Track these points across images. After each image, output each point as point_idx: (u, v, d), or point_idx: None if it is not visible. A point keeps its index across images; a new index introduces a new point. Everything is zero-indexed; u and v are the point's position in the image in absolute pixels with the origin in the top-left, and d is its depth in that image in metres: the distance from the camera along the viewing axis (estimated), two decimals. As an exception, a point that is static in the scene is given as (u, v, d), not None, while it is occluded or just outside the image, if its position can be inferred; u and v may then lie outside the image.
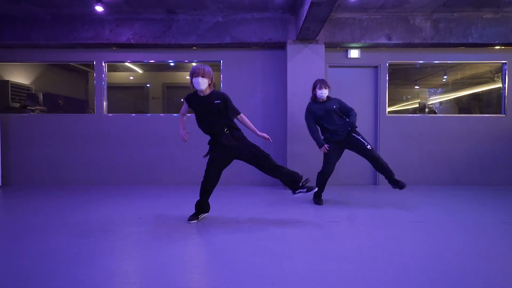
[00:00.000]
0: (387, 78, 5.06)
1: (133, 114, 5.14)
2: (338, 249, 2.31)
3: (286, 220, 3.08)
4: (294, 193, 3.02)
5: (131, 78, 6.66)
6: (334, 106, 3.62)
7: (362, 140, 3.60)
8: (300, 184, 2.98)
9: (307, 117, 3.74)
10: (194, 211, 3.02)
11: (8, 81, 5.29)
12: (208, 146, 3.02)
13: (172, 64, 5.77)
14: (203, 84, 2.83)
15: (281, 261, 2.07)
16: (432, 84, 5.87)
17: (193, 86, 2.86)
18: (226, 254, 2.20)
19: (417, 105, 5.61)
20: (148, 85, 6.68)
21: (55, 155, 5.07)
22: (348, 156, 5.00)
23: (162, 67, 6.47)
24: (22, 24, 4.76)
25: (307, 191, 2.96)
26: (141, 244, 2.41)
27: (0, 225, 2.90)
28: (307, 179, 3.05)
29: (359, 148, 3.61)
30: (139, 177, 5.06)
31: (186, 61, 5.18)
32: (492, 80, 5.51)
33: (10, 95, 5.29)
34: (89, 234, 2.61)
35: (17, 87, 5.44)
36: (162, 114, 5.18)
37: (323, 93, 3.63)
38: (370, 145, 3.59)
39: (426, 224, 2.93)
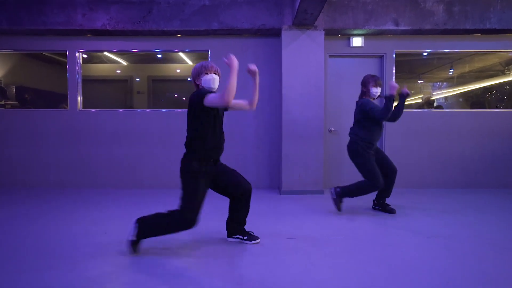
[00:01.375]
0: (394, 69, 4.54)
1: (114, 110, 4.62)
2: (342, 277, 1.81)
3: (281, 233, 2.59)
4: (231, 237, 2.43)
5: (118, 71, 6.11)
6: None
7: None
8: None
9: (375, 111, 2.96)
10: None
11: (-28, 73, 4.75)
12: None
13: (159, 56, 5.25)
14: (217, 82, 2.27)
15: (281, 276, 1.58)
16: (437, 78, 5.37)
17: (204, 85, 2.23)
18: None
19: (421, 100, 5.12)
20: (136, 79, 6.14)
21: (25, 154, 4.56)
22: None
23: (148, 59, 5.92)
24: (-19, 6, 4.22)
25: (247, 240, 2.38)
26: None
27: None
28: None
29: (386, 157, 3.21)
30: (118, 179, 4.56)
31: (172, 50, 4.64)
32: (502, 73, 5.01)
33: (-26, 89, 4.76)
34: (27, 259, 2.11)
35: (-17, 79, 4.91)
36: (148, 110, 4.66)
37: (378, 92, 3.12)
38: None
39: (446, 241, 2.44)
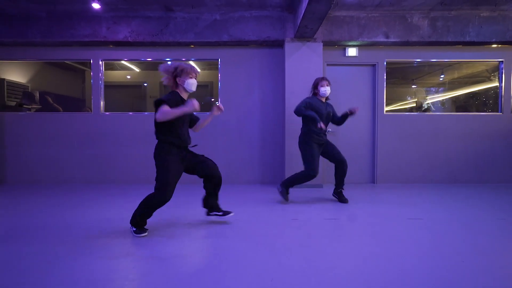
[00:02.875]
0: (385, 76, 5.06)
1: (130, 113, 5.12)
2: (336, 247, 2.30)
3: (285, 218, 3.07)
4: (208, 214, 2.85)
5: (128, 77, 6.62)
6: (331, 111, 3.68)
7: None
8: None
9: (299, 105, 3.53)
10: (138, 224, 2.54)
11: (4, 79, 5.25)
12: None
13: (169, 63, 5.74)
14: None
15: (281, 258, 2.07)
16: (429, 83, 5.88)
17: (186, 86, 2.54)
18: (225, 252, 2.19)
19: (414, 104, 5.64)
20: (145, 84, 6.65)
21: (52, 154, 5.04)
22: (344, 153, 5.02)
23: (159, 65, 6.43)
24: (18, 21, 4.72)
25: (222, 215, 2.80)
26: (139, 245, 2.39)
27: (-4, 224, 2.88)
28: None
29: (335, 151, 3.68)
30: (136, 176, 5.04)
31: (183, 59, 5.15)
32: (488, 79, 5.53)
33: (6, 94, 5.25)
34: (80, 239, 2.59)
35: (13, 85, 5.40)
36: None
37: (327, 90, 3.61)
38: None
39: (425, 221, 2.94)
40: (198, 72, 2.66)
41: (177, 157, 2.53)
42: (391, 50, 5.06)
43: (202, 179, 2.76)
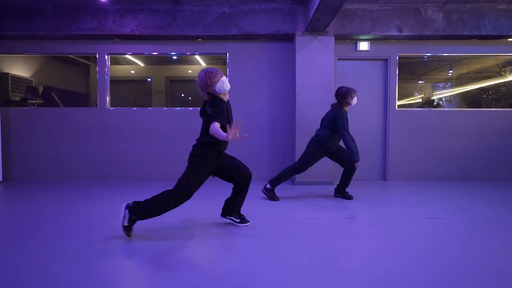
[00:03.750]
0: (397, 71, 4.95)
1: (135, 108, 5.02)
2: (353, 246, 2.22)
3: (301, 216, 2.99)
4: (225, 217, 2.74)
5: (132, 72, 6.51)
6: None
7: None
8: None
9: (344, 125, 3.40)
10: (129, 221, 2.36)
11: (8, 73, 5.15)
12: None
13: (175, 57, 5.63)
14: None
15: (303, 259, 1.98)
16: (437, 79, 5.77)
17: (221, 88, 2.38)
18: (248, 256, 2.11)
19: (421, 100, 5.54)
20: (149, 79, 6.54)
21: (57, 150, 4.95)
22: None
23: (165, 60, 6.33)
24: (23, 14, 4.60)
25: (239, 222, 2.70)
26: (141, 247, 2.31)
27: None
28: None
29: (345, 155, 3.59)
30: (142, 172, 4.96)
31: (190, 53, 5.04)
32: (498, 74, 5.41)
33: (10, 88, 5.15)
34: (85, 237, 2.51)
35: (17, 80, 5.30)
36: (165, 108, 5.05)
37: (354, 102, 3.54)
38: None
39: (445, 221, 2.85)
40: (219, 71, 2.44)
41: (215, 163, 2.47)
42: (403, 44, 4.93)
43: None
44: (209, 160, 2.41)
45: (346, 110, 3.53)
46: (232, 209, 2.70)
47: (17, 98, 5.27)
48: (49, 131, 4.95)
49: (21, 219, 2.86)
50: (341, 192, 3.74)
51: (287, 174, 3.62)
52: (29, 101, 5.28)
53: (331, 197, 3.81)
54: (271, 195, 3.64)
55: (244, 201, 3.27)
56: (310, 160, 3.60)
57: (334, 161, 3.70)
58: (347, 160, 3.58)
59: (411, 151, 4.96)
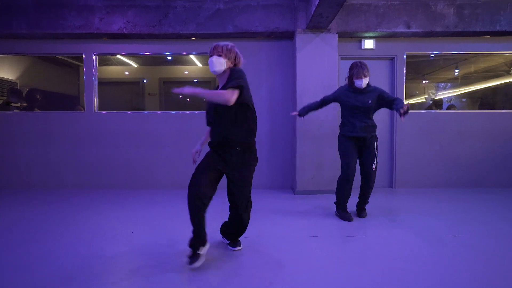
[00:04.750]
0: (405, 70, 4.63)
1: (128, 112, 4.70)
2: (365, 276, 1.89)
3: (302, 233, 2.66)
4: (229, 244, 2.35)
5: (126, 73, 6.20)
6: (370, 101, 2.98)
7: (376, 154, 3.07)
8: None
9: (326, 96, 3.22)
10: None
11: (-10, 75, 4.84)
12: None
13: (169, 57, 5.32)
14: (217, 64, 2.07)
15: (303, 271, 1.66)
16: (443, 78, 5.46)
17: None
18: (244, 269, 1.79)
19: (424, 100, 5.23)
20: (144, 80, 6.23)
21: (42, 156, 4.63)
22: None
23: (159, 61, 6.01)
24: (2, 11, 4.28)
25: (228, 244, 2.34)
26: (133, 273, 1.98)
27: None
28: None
29: (369, 160, 3.04)
30: (134, 180, 4.63)
31: (184, 53, 4.72)
32: (507, 73, 5.09)
33: (-8, 91, 4.84)
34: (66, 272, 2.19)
35: (0, 82, 4.98)
36: (159, 112, 4.74)
37: (363, 83, 2.97)
38: (376, 165, 3.07)
39: (466, 238, 2.52)
40: (219, 47, 2.09)
41: (210, 154, 2.14)
42: (411, 42, 4.61)
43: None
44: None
45: (348, 88, 3.07)
46: (223, 230, 2.39)
47: (0, 102, 4.96)
48: (34, 136, 4.64)
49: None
50: (361, 210, 3.20)
51: (338, 190, 3.13)
52: (12, 104, 4.97)
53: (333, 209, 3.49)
54: (341, 215, 3.12)
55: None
56: (341, 156, 3.10)
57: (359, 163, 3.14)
58: (366, 166, 3.06)
59: (420, 156, 4.63)
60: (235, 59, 2.14)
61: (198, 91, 1.90)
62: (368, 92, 3.04)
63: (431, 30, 4.32)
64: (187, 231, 2.22)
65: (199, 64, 5.70)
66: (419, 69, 5.14)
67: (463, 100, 5.34)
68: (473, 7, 4.27)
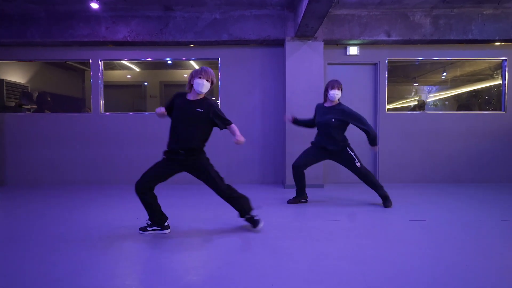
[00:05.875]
0: (386, 75, 5.02)
1: (131, 113, 5.10)
2: (338, 248, 2.27)
3: (284, 219, 3.05)
4: (241, 216, 2.77)
5: (129, 76, 6.59)
6: (333, 119, 3.42)
7: (354, 157, 3.52)
8: (248, 215, 2.72)
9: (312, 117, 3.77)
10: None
11: (3, 79, 5.22)
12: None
13: (169, 62, 5.71)
14: (206, 88, 2.58)
15: (282, 261, 2.04)
16: (431, 81, 5.85)
17: (194, 86, 2.55)
18: (228, 255, 2.17)
19: (416, 103, 5.61)
20: (145, 84, 6.62)
21: (52, 155, 5.01)
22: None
23: (159, 65, 6.40)
24: (17, 21, 4.68)
25: (253, 226, 2.70)
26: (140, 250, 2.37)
27: (-5, 226, 2.85)
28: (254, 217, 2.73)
29: (349, 164, 3.54)
30: (136, 177, 5.00)
31: (183, 58, 5.12)
32: (491, 77, 5.48)
33: (5, 94, 5.23)
34: (84, 243, 2.57)
35: (12, 85, 5.38)
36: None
37: (335, 94, 3.44)
38: (360, 162, 3.51)
39: (427, 223, 2.90)
40: (210, 74, 2.58)
41: (166, 160, 2.69)
42: (392, 49, 5.01)
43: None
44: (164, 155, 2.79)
45: (325, 104, 3.59)
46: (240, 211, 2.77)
47: (12, 104, 5.34)
48: (44, 136, 5.02)
49: (15, 224, 2.92)
50: (384, 198, 3.55)
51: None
52: (24, 106, 5.36)
53: (319, 201, 3.87)
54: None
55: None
56: (302, 153, 3.68)
57: (344, 166, 3.64)
58: (353, 168, 3.56)
59: (402, 155, 5.02)
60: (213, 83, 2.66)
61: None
62: (336, 110, 3.50)
63: (409, 38, 4.72)
64: (181, 216, 2.58)
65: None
66: (407, 72, 5.55)
67: (446, 103, 5.73)
68: (447, 17, 4.67)
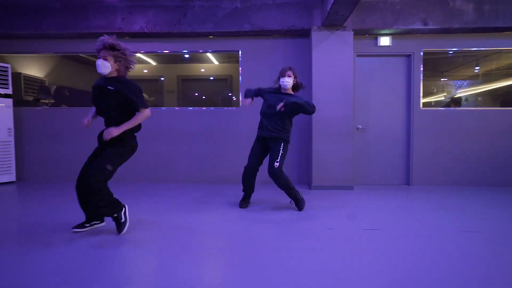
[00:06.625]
0: (422, 67, 4.60)
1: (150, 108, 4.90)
2: (387, 264, 1.96)
3: (321, 226, 2.75)
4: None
5: (145, 71, 6.40)
6: (279, 108, 3.08)
7: (280, 151, 3.15)
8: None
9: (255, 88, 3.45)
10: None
11: (21, 73, 5.13)
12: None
13: (186, 56, 5.48)
14: (103, 67, 2.36)
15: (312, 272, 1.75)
16: (462, 76, 5.36)
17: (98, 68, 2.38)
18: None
19: (443, 98, 5.15)
20: (162, 78, 6.42)
21: (69, 149, 4.89)
22: (376, 152, 4.62)
23: (177, 59, 6.18)
24: (33, 12, 4.54)
25: (119, 228, 2.46)
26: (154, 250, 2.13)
27: (6, 224, 2.69)
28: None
29: (270, 157, 3.18)
30: (153, 174, 4.82)
31: (201, 51, 4.87)
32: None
33: (23, 88, 5.14)
34: (99, 240, 2.36)
35: (30, 79, 5.28)
36: (177, 108, 4.91)
37: (285, 81, 3.19)
38: (279, 162, 3.13)
39: (482, 234, 2.53)
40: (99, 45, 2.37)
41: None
42: (428, 39, 4.57)
43: None
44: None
45: (276, 87, 3.35)
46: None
47: (30, 98, 5.25)
48: (61, 130, 4.90)
49: (34, 218, 2.76)
50: (295, 199, 3.26)
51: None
52: (41, 101, 5.26)
53: (350, 203, 3.54)
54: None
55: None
56: (250, 153, 3.39)
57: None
58: (270, 164, 3.19)
59: (438, 154, 4.60)
60: (119, 62, 2.42)
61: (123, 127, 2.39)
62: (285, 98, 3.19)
63: (449, 27, 4.28)
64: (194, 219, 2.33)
65: (215, 62, 5.82)
66: (437, 66, 5.08)
67: (479, 98, 5.24)
68: (493, 2, 4.19)
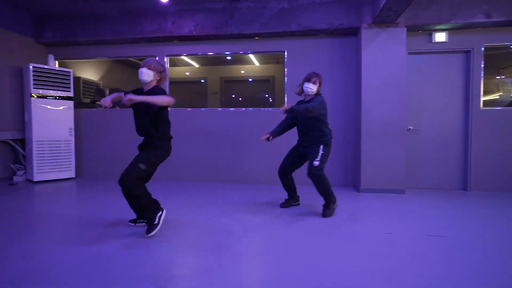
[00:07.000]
0: (482, 64, 4.27)
1: (189, 109, 5.05)
2: (439, 263, 1.83)
3: (379, 231, 2.65)
4: (135, 221, 2.71)
5: (187, 73, 6.60)
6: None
7: (320, 152, 3.03)
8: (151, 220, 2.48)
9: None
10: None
11: (80, 77, 5.52)
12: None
13: (229, 57, 5.57)
14: (146, 75, 2.49)
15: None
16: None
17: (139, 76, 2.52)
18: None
19: (498, 97, 4.69)
20: (202, 80, 6.57)
21: (123, 148, 5.18)
22: (429, 154, 4.37)
23: (220, 60, 6.30)
24: (92, 20, 4.87)
25: (148, 230, 2.43)
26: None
27: (53, 217, 2.90)
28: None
29: (309, 159, 3.06)
30: (194, 173, 4.96)
31: (248, 52, 4.90)
32: None
33: (82, 91, 5.53)
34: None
35: (87, 83, 5.67)
36: (219, 109, 5.00)
37: (308, 87, 3.08)
38: (319, 161, 2.98)
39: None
40: (147, 62, 2.52)
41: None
42: (490, 33, 4.23)
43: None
44: None
45: (301, 98, 3.31)
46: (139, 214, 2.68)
47: (87, 100, 5.64)
48: (116, 130, 5.21)
49: (94, 212, 2.96)
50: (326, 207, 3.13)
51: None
52: (97, 103, 5.62)
53: (403, 207, 3.38)
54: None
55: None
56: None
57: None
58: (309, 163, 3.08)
59: (500, 157, 4.25)
60: (160, 73, 2.57)
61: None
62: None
63: (516, 19, 3.93)
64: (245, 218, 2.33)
65: (257, 63, 5.85)
66: (498, 62, 4.68)
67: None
68: None
